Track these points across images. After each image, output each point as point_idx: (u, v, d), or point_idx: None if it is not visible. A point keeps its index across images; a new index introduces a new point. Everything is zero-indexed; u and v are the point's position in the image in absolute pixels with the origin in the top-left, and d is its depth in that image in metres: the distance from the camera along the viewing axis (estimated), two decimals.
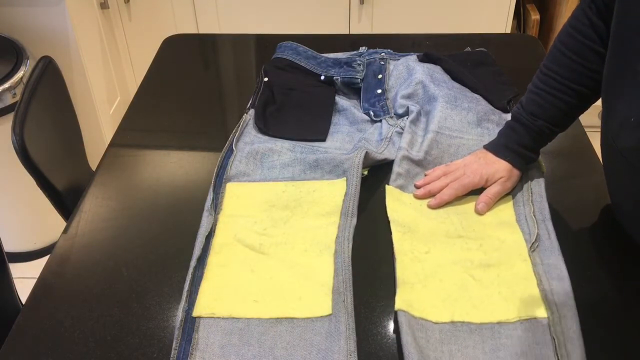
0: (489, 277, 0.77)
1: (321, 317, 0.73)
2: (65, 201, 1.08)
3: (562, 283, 0.75)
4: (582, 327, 0.70)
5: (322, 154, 0.97)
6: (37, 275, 0.80)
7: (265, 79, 1.14)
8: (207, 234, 0.84)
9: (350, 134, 1.04)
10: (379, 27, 2.11)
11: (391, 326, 0.73)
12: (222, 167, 0.95)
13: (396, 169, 0.94)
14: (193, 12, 2.16)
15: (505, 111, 1.05)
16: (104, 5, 1.99)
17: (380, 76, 1.14)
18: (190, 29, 2.20)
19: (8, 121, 1.55)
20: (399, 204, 0.89)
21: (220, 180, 0.93)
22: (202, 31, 2.19)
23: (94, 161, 1.13)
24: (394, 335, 0.72)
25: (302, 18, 2.12)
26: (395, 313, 0.73)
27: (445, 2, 2.05)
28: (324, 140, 1.02)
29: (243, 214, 0.88)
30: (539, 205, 0.87)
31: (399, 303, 0.73)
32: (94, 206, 0.92)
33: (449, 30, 2.07)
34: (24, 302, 0.78)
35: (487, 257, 0.80)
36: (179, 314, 0.74)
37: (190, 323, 0.73)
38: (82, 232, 0.87)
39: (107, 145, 1.05)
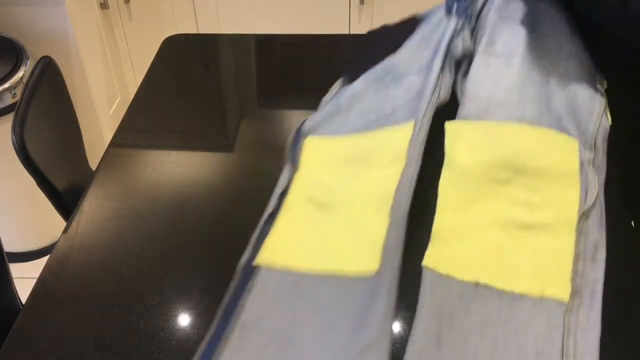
0: (526, 240, 0.74)
1: (367, 274, 0.73)
2: (65, 201, 1.08)
3: (594, 266, 0.71)
4: (606, 318, 0.66)
5: (401, 91, 0.96)
6: (37, 275, 0.80)
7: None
8: (282, 191, 0.86)
9: (420, 44, 1.06)
10: None
11: None
12: (298, 130, 0.97)
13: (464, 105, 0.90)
14: (193, 12, 2.16)
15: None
16: (104, 5, 1.99)
17: None
18: (190, 29, 2.20)
19: (8, 121, 1.56)
20: (456, 142, 0.85)
21: (298, 136, 0.95)
22: (202, 31, 2.20)
23: (94, 161, 1.13)
24: None
25: (302, 18, 2.12)
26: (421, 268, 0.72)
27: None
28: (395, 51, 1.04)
29: (316, 171, 0.89)
30: (597, 155, 0.82)
31: (427, 259, 0.72)
32: (94, 206, 0.92)
33: None
34: (24, 302, 0.78)
35: (532, 215, 0.76)
36: (242, 261, 0.78)
37: (250, 269, 0.76)
38: (82, 232, 0.87)
39: (107, 145, 1.05)
